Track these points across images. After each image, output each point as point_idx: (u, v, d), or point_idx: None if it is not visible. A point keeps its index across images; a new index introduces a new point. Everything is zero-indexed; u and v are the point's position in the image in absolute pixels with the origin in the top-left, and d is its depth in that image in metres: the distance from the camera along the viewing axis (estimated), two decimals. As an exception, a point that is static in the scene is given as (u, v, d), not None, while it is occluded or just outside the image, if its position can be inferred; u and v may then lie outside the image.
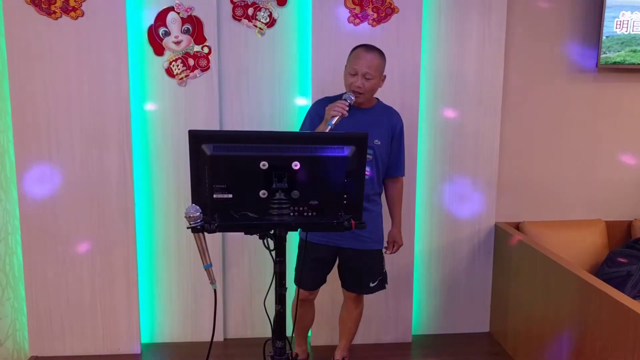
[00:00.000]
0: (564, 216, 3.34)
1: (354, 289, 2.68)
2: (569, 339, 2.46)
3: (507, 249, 3.12)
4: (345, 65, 2.49)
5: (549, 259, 2.64)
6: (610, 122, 3.32)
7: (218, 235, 3.05)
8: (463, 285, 3.30)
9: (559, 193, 3.35)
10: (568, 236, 3.20)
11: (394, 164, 2.61)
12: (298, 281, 2.61)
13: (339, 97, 2.40)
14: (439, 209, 3.23)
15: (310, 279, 2.63)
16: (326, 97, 2.58)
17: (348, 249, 2.57)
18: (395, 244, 2.69)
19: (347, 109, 2.26)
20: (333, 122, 2.23)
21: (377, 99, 2.60)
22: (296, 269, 2.69)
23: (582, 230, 3.26)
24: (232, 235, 3.09)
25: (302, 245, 2.57)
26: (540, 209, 3.33)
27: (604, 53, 3.08)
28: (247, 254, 3.13)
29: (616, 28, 3.03)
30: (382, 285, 2.68)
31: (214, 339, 3.11)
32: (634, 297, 2.48)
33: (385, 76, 2.50)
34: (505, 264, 3.15)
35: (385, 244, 2.70)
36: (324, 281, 2.69)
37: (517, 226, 3.26)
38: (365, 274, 2.63)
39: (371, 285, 2.64)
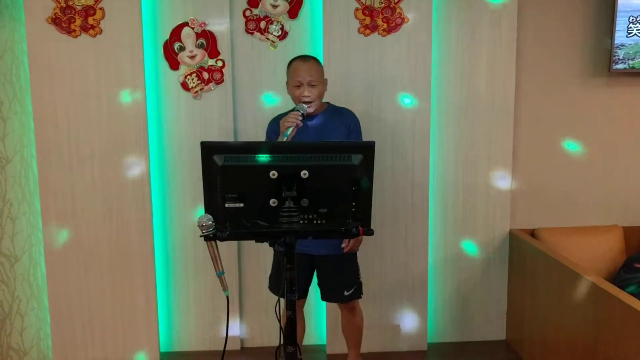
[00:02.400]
0: (580, 222, 3.31)
1: (330, 298, 2.69)
2: (585, 346, 2.44)
3: (523, 256, 3.11)
4: (287, 82, 2.54)
5: (564, 266, 2.63)
6: (625, 126, 3.29)
7: (234, 243, 3.10)
8: (478, 293, 3.29)
9: (574, 199, 3.32)
10: (584, 243, 3.17)
11: None
12: (273, 288, 2.66)
13: (291, 112, 2.45)
14: (453, 216, 3.23)
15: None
16: (279, 114, 2.59)
17: (320, 256, 2.59)
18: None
19: (300, 119, 2.36)
20: (288, 133, 2.31)
21: (328, 103, 2.64)
22: (271, 277, 2.72)
23: (598, 237, 3.22)
24: (247, 244, 3.14)
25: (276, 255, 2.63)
26: (555, 215, 3.31)
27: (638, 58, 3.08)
28: (263, 262, 3.17)
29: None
30: (357, 294, 2.66)
31: (231, 348, 3.19)
32: (651, 303, 2.44)
33: (326, 80, 2.57)
34: (520, 271, 3.14)
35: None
36: (303, 293, 2.65)
37: (533, 233, 3.24)
38: (339, 281, 2.62)
39: (345, 293, 2.62)
